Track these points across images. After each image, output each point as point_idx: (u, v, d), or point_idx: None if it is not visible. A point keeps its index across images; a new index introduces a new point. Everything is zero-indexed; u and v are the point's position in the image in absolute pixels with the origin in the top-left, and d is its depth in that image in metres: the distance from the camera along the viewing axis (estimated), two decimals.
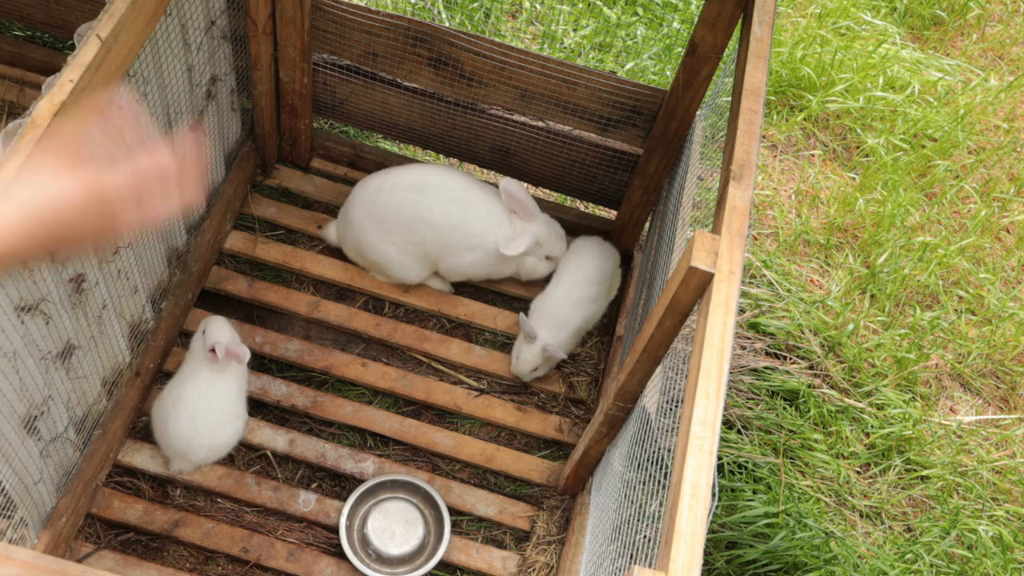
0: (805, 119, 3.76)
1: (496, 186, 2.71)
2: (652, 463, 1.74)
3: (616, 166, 2.73)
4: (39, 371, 1.87)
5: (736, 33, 2.14)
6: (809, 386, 3.01)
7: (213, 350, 2.37)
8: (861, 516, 2.85)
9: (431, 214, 2.62)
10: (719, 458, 2.67)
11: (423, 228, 2.63)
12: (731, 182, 1.67)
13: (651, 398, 1.97)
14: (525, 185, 3.13)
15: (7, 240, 0.95)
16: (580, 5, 3.81)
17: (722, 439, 2.73)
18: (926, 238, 3.47)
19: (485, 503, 2.52)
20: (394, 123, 2.83)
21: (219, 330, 2.42)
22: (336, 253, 2.85)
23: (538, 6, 3.80)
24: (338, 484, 2.53)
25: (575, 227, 2.99)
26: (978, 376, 3.23)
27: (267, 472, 2.51)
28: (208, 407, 2.37)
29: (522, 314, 2.69)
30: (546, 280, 2.83)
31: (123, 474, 2.43)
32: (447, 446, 2.59)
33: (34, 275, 1.75)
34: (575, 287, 2.73)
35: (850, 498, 2.85)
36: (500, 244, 2.63)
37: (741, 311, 3.13)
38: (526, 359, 2.64)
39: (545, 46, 3.59)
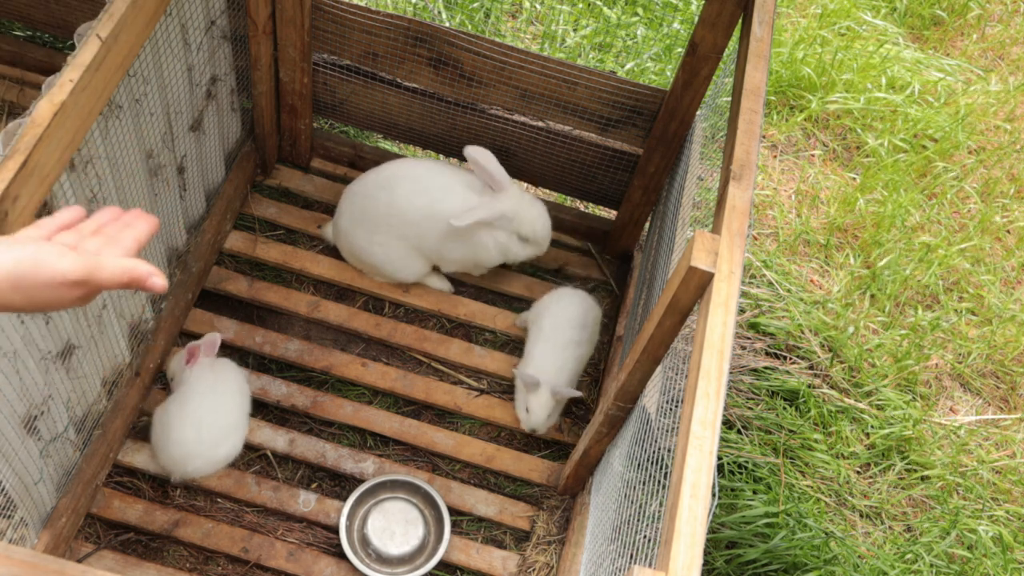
0: (805, 119, 3.76)
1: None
2: (652, 463, 1.74)
3: (616, 166, 2.73)
4: (39, 371, 1.87)
5: (736, 33, 2.14)
6: (809, 386, 3.00)
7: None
8: (861, 516, 2.85)
9: (402, 208, 2.59)
10: (719, 458, 2.67)
11: (400, 223, 2.61)
12: (731, 182, 1.67)
13: (651, 398, 1.97)
14: (525, 186, 3.13)
15: None
16: (580, 5, 3.80)
17: (722, 439, 2.73)
18: (926, 238, 3.47)
19: (485, 503, 2.52)
20: (394, 123, 2.84)
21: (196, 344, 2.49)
22: (336, 253, 2.85)
23: (538, 6, 3.80)
24: (338, 484, 2.53)
25: (575, 227, 2.99)
26: (978, 376, 3.23)
27: (267, 472, 2.51)
28: (214, 418, 2.38)
29: (515, 369, 2.64)
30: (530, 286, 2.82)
31: (123, 474, 2.43)
32: (447, 446, 2.59)
33: None
34: (558, 331, 2.62)
35: (850, 498, 2.85)
36: (452, 217, 2.49)
37: (741, 311, 3.13)
38: (538, 408, 2.53)
39: (545, 46, 3.59)
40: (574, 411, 2.71)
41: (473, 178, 2.63)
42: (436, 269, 2.81)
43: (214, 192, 2.72)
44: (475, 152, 2.55)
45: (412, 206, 2.58)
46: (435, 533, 2.45)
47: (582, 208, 3.17)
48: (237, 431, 2.45)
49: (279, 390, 2.59)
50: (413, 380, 2.67)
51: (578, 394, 2.55)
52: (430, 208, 2.58)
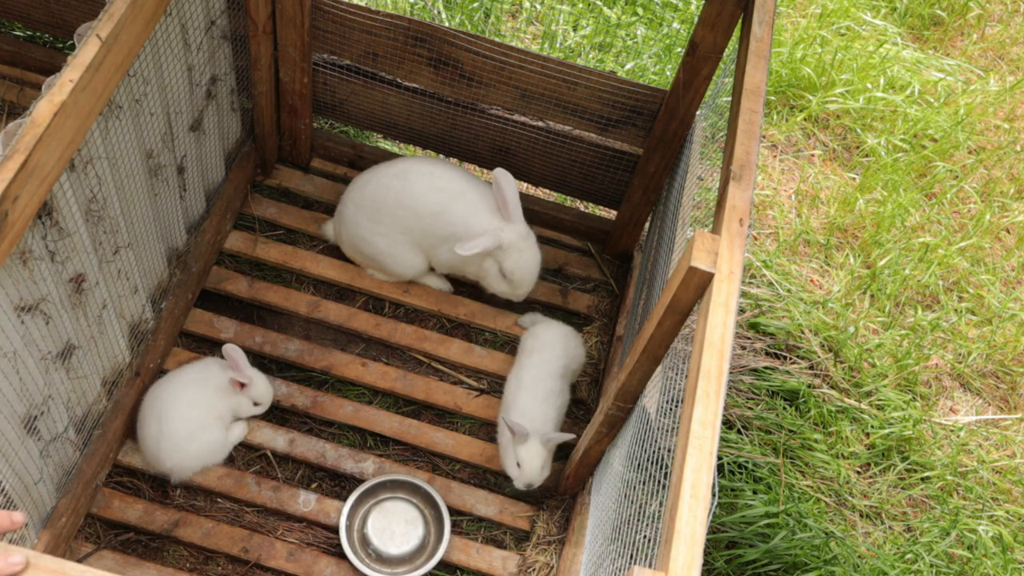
0: (805, 119, 3.76)
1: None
2: (652, 463, 1.74)
3: (616, 166, 2.73)
4: (39, 371, 1.87)
5: (736, 33, 2.14)
6: (809, 386, 3.00)
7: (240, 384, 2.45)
8: (861, 516, 2.85)
9: (414, 201, 2.60)
10: (719, 458, 2.67)
11: (407, 216, 2.62)
12: (731, 182, 1.67)
13: (651, 398, 1.97)
14: (525, 186, 3.13)
15: None
16: (580, 5, 3.80)
17: (722, 439, 2.74)
18: (926, 238, 3.47)
19: (485, 503, 2.52)
20: (394, 123, 2.84)
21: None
22: (336, 253, 2.85)
23: (538, 6, 3.80)
24: (338, 484, 2.53)
25: (575, 227, 2.99)
26: (978, 376, 3.23)
27: (267, 472, 2.51)
28: (178, 414, 2.35)
29: (501, 418, 2.54)
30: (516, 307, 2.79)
31: (123, 474, 2.43)
32: (447, 446, 2.59)
33: (34, 275, 1.75)
34: (539, 382, 2.55)
35: (850, 498, 2.85)
36: (458, 245, 2.51)
37: (741, 311, 3.13)
38: (529, 460, 2.41)
39: (545, 46, 3.59)
40: (574, 411, 2.71)
41: (488, 189, 2.65)
42: (432, 268, 2.82)
43: (214, 192, 2.72)
44: (503, 177, 2.54)
45: (424, 201, 2.60)
46: (435, 533, 2.45)
47: (582, 208, 3.17)
48: (214, 427, 2.42)
49: (279, 390, 2.59)
50: (413, 380, 2.67)
51: (570, 437, 2.42)
52: (441, 206, 2.59)
